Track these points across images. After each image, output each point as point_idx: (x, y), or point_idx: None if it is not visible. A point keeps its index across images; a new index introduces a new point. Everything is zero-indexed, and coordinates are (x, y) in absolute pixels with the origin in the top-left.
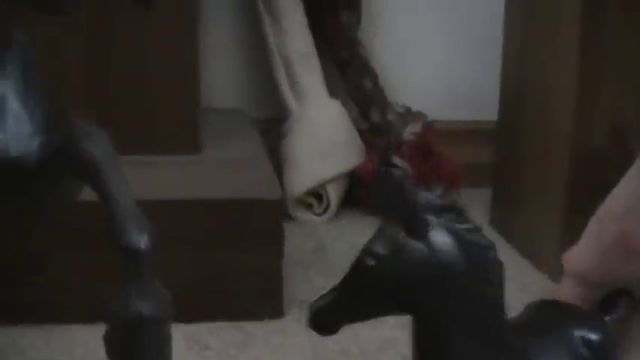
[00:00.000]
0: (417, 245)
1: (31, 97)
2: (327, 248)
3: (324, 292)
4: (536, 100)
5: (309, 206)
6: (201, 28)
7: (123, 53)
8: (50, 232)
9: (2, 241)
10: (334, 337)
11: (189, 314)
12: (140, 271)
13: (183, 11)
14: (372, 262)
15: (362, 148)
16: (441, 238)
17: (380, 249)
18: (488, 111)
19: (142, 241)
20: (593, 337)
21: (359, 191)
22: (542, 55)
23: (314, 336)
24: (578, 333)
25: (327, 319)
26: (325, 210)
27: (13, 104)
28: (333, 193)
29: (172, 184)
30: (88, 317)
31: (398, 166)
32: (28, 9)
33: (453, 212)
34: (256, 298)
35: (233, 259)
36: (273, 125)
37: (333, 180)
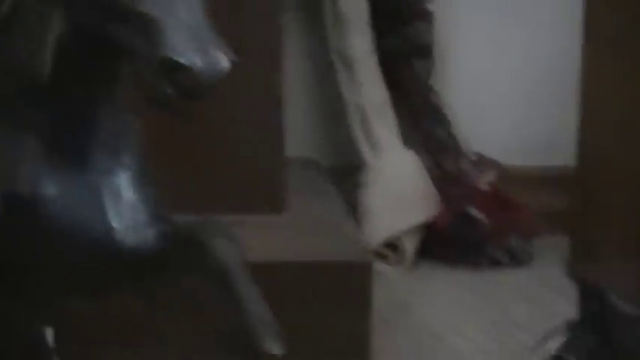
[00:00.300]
0: (608, 355)
1: (145, 186)
2: (407, 303)
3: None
4: (619, 146)
5: (384, 257)
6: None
7: (207, 113)
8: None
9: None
10: None
11: None
12: None
13: (267, 68)
14: None
15: (436, 198)
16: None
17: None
18: (562, 156)
19: (276, 347)
20: None
21: (434, 241)
22: (625, 99)
23: None
24: None
25: None
26: (401, 260)
27: (129, 194)
28: (409, 244)
29: (257, 246)
30: None
31: (474, 217)
32: (162, 111)
33: None
34: (343, 358)
35: (320, 321)
36: (345, 173)
37: (408, 231)
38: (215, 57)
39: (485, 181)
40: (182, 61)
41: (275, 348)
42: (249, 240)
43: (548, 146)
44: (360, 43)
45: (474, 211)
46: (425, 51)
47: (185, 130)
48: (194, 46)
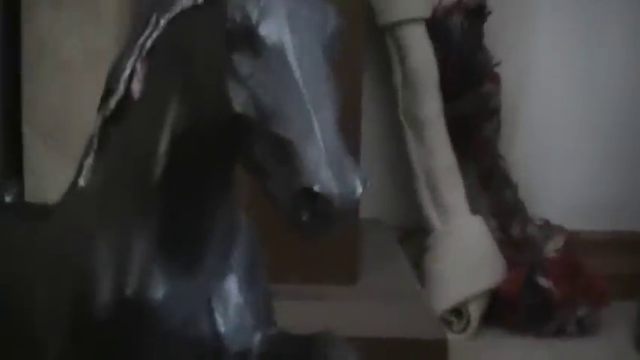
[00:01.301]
0: None
1: (254, 289)
2: None
3: None
4: None
5: (449, 323)
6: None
7: None
8: None
9: None
10: None
11: None
12: None
13: (347, 132)
14: None
15: (503, 264)
16: None
17: None
18: (631, 220)
19: None
20: None
21: (500, 308)
22: None
23: None
24: None
25: None
26: (465, 328)
27: (237, 298)
28: (475, 311)
29: (332, 320)
30: None
31: (542, 285)
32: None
33: None
34: None
35: None
36: (412, 235)
37: (474, 297)
38: (352, 184)
39: (553, 247)
40: (322, 190)
41: None
42: (323, 312)
43: (616, 210)
44: (429, 106)
45: (542, 279)
46: (493, 114)
47: (259, 201)
48: (332, 172)
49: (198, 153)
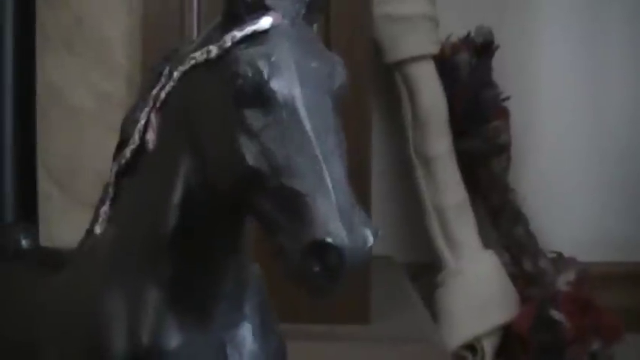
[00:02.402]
0: None
1: (268, 336)
2: None
3: None
4: None
5: (462, 359)
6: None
7: None
8: None
9: None
10: None
11: None
12: None
13: (357, 171)
14: None
15: (516, 299)
16: None
17: None
18: None
19: None
20: None
21: (513, 343)
22: None
23: None
24: None
25: None
26: None
27: (252, 345)
28: (488, 346)
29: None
30: None
31: (555, 319)
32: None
33: None
34: None
35: None
36: (423, 271)
37: (488, 333)
38: (362, 235)
39: (565, 281)
40: (333, 242)
41: None
42: (335, 352)
43: (627, 241)
44: (439, 144)
45: (555, 313)
46: (502, 149)
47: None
48: (344, 225)
49: (211, 205)
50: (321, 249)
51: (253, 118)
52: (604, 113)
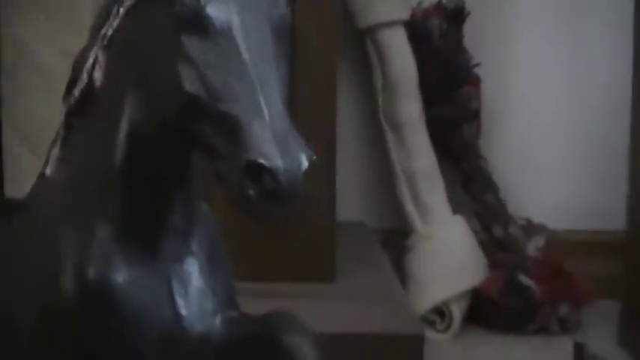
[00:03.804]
0: None
1: (214, 271)
2: None
3: None
4: None
5: (431, 323)
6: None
7: None
8: None
9: None
10: None
11: None
12: None
13: (320, 133)
14: None
15: (485, 264)
16: None
17: None
18: (613, 221)
19: None
20: None
21: (482, 308)
22: None
23: None
24: None
25: None
26: (448, 327)
27: (198, 281)
28: (457, 311)
29: (308, 317)
30: None
31: (524, 284)
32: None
33: None
34: None
35: None
36: (393, 237)
37: (456, 297)
38: (297, 158)
39: (534, 246)
40: (267, 164)
41: None
42: (301, 310)
43: (598, 210)
44: (409, 109)
45: (524, 278)
46: (473, 116)
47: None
48: (277, 146)
49: (158, 139)
50: (256, 171)
51: (192, 44)
52: (579, 81)
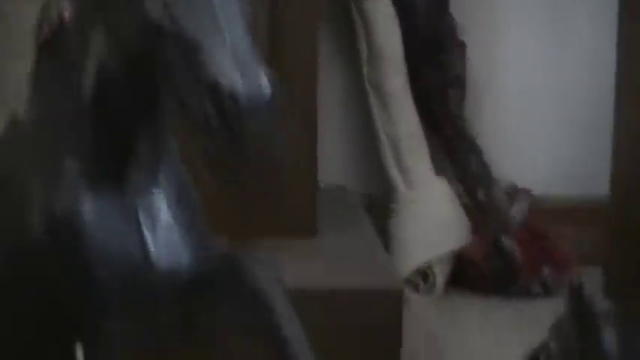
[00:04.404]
0: (587, 348)
1: (182, 206)
2: (437, 332)
3: None
4: None
5: (415, 285)
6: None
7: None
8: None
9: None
10: None
11: None
12: None
13: (303, 93)
14: None
15: (468, 227)
16: (610, 343)
17: (554, 349)
18: (597, 186)
19: None
20: None
21: (465, 271)
22: None
23: None
24: None
25: None
26: (431, 289)
27: (165, 215)
28: (440, 273)
29: (289, 271)
30: None
31: (507, 247)
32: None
33: (622, 319)
34: None
35: (349, 350)
36: (377, 201)
37: (439, 260)
38: (258, 81)
39: (517, 211)
40: (226, 84)
41: None
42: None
43: (582, 176)
44: (394, 79)
45: (507, 242)
46: (458, 81)
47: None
48: (238, 69)
49: (123, 74)
50: (216, 92)
51: None
52: (563, 47)
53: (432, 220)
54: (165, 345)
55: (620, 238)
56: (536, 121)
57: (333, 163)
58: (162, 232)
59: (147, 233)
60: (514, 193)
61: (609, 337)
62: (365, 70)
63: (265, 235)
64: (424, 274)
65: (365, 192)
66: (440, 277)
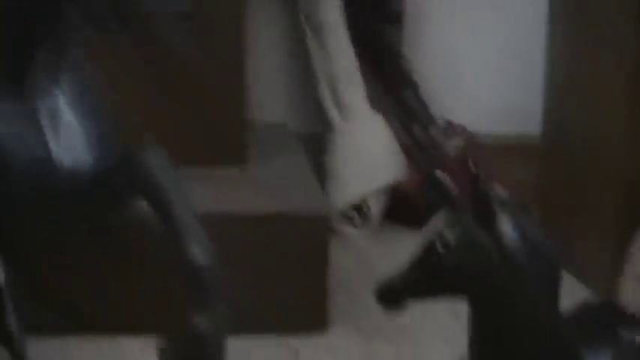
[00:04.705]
0: (484, 236)
1: (85, 109)
2: (370, 263)
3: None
4: (584, 116)
5: (350, 219)
6: (247, 44)
7: (173, 67)
8: (103, 250)
9: (57, 260)
10: (379, 352)
11: (235, 328)
12: (201, 287)
13: (230, 29)
14: (442, 250)
15: (404, 162)
16: (507, 231)
17: (449, 237)
18: (532, 125)
19: (203, 258)
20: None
21: (401, 205)
22: (589, 69)
23: (358, 351)
24: (624, 335)
25: (393, 296)
26: (366, 223)
27: (68, 116)
28: (375, 207)
29: (216, 198)
30: (137, 330)
31: (442, 182)
32: (88, 27)
33: (519, 207)
34: (301, 313)
35: (277, 273)
36: (317, 140)
37: (374, 194)
38: None
39: (453, 146)
40: None
41: (202, 257)
42: (210, 192)
43: (516, 114)
44: (329, 9)
45: (441, 175)
46: (395, 17)
47: (151, 84)
48: None
49: None
50: None
51: None
52: None
53: (367, 154)
54: (74, 245)
55: (550, 175)
56: (471, 61)
57: (276, 101)
58: (65, 134)
59: (49, 134)
60: (450, 129)
61: (507, 225)
62: (301, 3)
63: (195, 165)
64: (359, 208)
65: (307, 130)
66: (375, 210)
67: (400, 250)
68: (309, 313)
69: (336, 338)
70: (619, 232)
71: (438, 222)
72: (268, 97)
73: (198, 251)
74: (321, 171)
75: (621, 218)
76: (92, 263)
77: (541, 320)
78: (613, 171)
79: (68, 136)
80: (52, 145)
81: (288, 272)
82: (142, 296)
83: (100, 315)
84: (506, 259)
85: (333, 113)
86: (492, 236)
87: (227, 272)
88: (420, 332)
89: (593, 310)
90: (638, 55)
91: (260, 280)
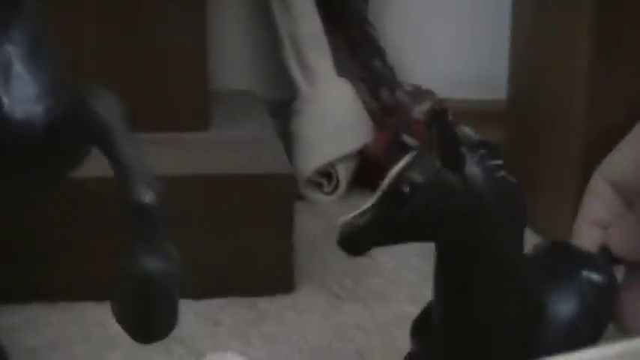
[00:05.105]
0: (451, 176)
1: (37, 62)
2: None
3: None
4: (548, 79)
5: (318, 185)
6: (209, 8)
7: (132, 32)
8: (62, 212)
9: (14, 221)
10: (347, 311)
11: (200, 291)
12: (147, 227)
13: None
14: (407, 190)
15: (371, 127)
16: (474, 172)
17: (416, 177)
18: (500, 90)
19: (148, 196)
20: (597, 278)
21: (369, 170)
22: (552, 32)
23: (325, 311)
24: (585, 274)
25: (357, 240)
26: (335, 189)
27: (19, 68)
28: (343, 172)
29: (179, 161)
30: (100, 295)
31: (409, 144)
32: None
33: (488, 148)
34: (267, 274)
35: (243, 235)
36: (284, 107)
37: (342, 159)
38: None
39: (420, 110)
40: None
41: (147, 197)
42: (170, 155)
43: (489, 78)
44: None
45: (408, 138)
46: None
47: (110, 48)
48: None
49: None
50: None
51: None
52: None
53: (334, 119)
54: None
55: (516, 140)
56: (437, 25)
57: (239, 67)
58: (15, 84)
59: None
60: (417, 94)
61: (475, 167)
62: None
63: (157, 130)
64: (327, 173)
65: (275, 97)
66: (343, 176)
67: None
68: (275, 275)
69: (303, 298)
70: (579, 186)
71: (402, 163)
72: (234, 64)
73: (145, 190)
74: (288, 138)
75: (581, 174)
76: (46, 222)
77: (507, 263)
78: (574, 132)
79: (19, 87)
80: (3, 97)
81: (254, 234)
82: (103, 258)
83: (58, 280)
84: (474, 199)
85: (298, 78)
86: (460, 177)
87: (187, 235)
88: (391, 293)
89: (550, 251)
90: (600, 18)
91: (225, 242)
